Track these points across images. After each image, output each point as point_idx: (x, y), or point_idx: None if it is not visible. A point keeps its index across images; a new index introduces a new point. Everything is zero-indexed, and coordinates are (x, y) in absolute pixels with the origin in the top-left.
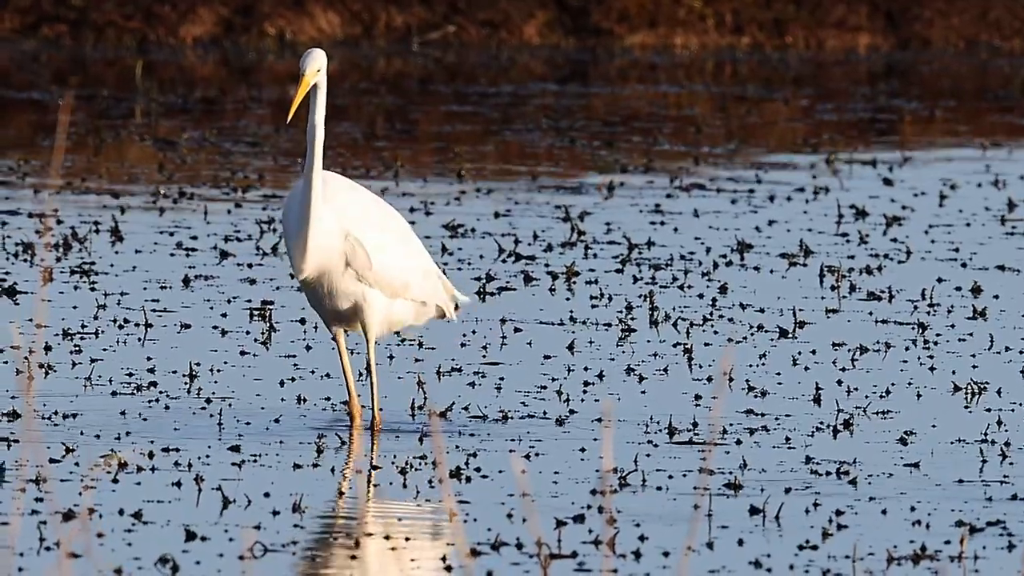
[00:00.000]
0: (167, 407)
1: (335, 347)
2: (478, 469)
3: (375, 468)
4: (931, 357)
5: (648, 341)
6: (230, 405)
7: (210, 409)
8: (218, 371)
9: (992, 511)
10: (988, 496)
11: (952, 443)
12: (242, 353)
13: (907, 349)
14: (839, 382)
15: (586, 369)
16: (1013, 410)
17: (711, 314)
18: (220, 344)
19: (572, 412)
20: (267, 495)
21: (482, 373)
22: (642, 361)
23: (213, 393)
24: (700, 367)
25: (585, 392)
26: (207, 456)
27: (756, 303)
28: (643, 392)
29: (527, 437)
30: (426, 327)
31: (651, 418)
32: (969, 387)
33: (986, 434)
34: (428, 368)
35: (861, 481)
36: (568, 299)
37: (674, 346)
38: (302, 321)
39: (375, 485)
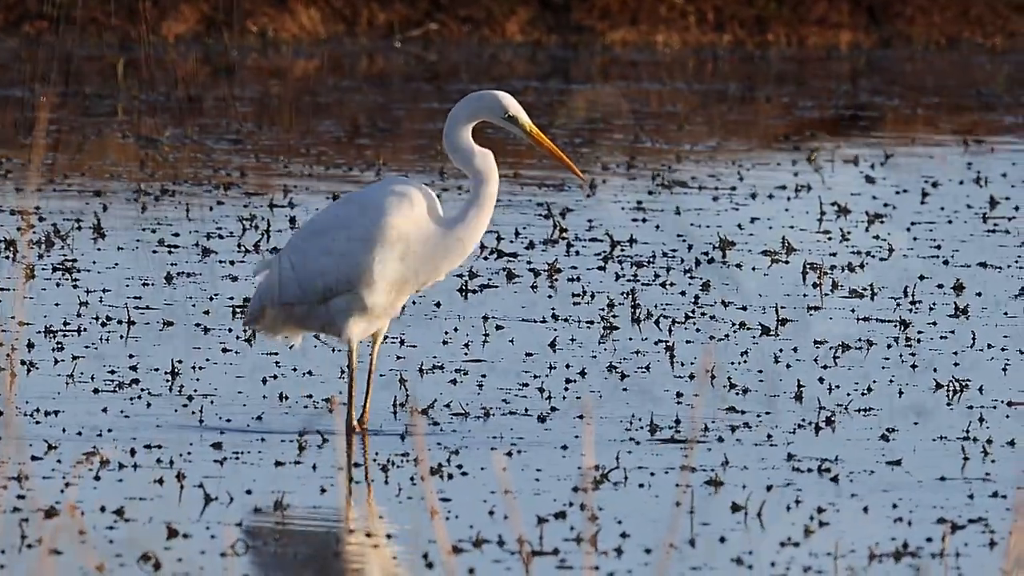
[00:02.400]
0: (149, 404)
1: (351, 359)
2: (460, 466)
3: (357, 465)
4: (913, 354)
5: (630, 338)
6: (212, 402)
7: (192, 406)
8: (200, 368)
9: (974, 508)
10: (970, 493)
11: (934, 440)
12: (224, 350)
13: (889, 347)
14: (821, 379)
15: (568, 367)
16: (995, 407)
17: (693, 311)
18: (202, 341)
19: (554, 409)
20: (249, 492)
21: (464, 370)
22: (624, 358)
23: (195, 390)
24: (682, 364)
25: (567, 389)
26: (189, 453)
27: (738, 300)
28: (625, 389)
29: (509, 434)
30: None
31: (633, 415)
32: (951, 384)
33: (968, 431)
34: (410, 366)
35: (843, 478)
36: (550, 296)
37: (656, 343)
38: None
39: (357, 482)
